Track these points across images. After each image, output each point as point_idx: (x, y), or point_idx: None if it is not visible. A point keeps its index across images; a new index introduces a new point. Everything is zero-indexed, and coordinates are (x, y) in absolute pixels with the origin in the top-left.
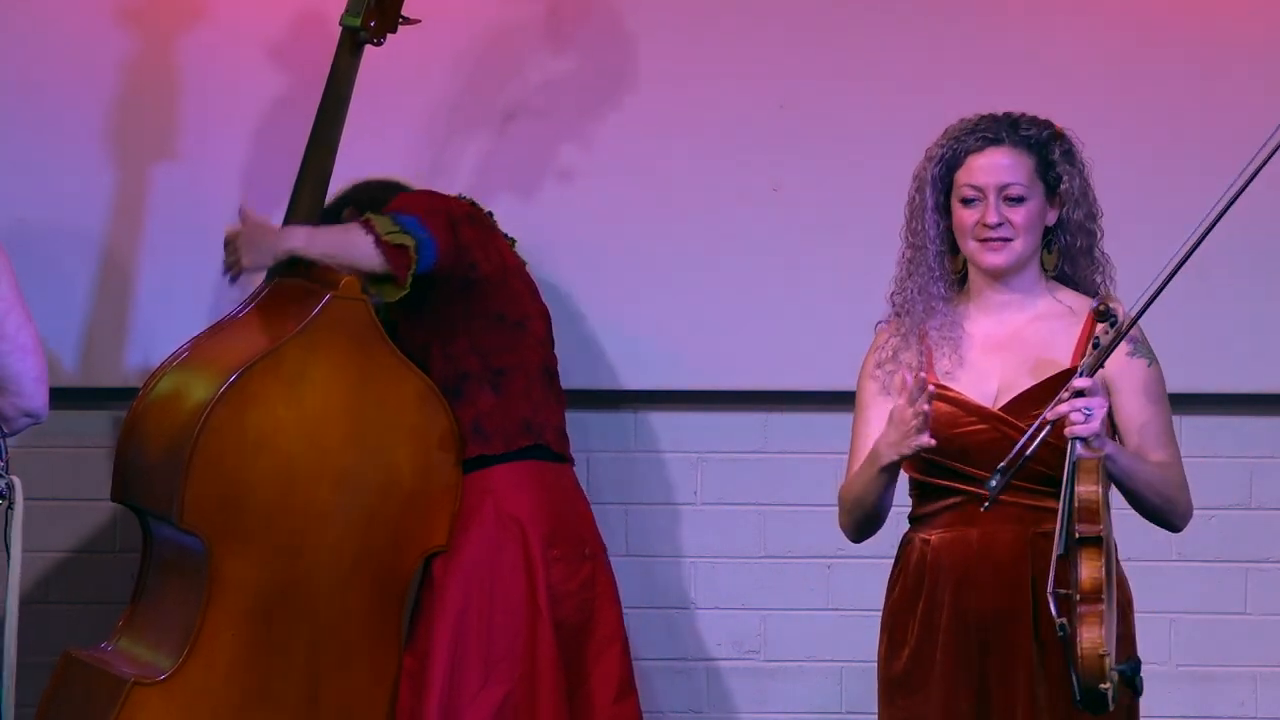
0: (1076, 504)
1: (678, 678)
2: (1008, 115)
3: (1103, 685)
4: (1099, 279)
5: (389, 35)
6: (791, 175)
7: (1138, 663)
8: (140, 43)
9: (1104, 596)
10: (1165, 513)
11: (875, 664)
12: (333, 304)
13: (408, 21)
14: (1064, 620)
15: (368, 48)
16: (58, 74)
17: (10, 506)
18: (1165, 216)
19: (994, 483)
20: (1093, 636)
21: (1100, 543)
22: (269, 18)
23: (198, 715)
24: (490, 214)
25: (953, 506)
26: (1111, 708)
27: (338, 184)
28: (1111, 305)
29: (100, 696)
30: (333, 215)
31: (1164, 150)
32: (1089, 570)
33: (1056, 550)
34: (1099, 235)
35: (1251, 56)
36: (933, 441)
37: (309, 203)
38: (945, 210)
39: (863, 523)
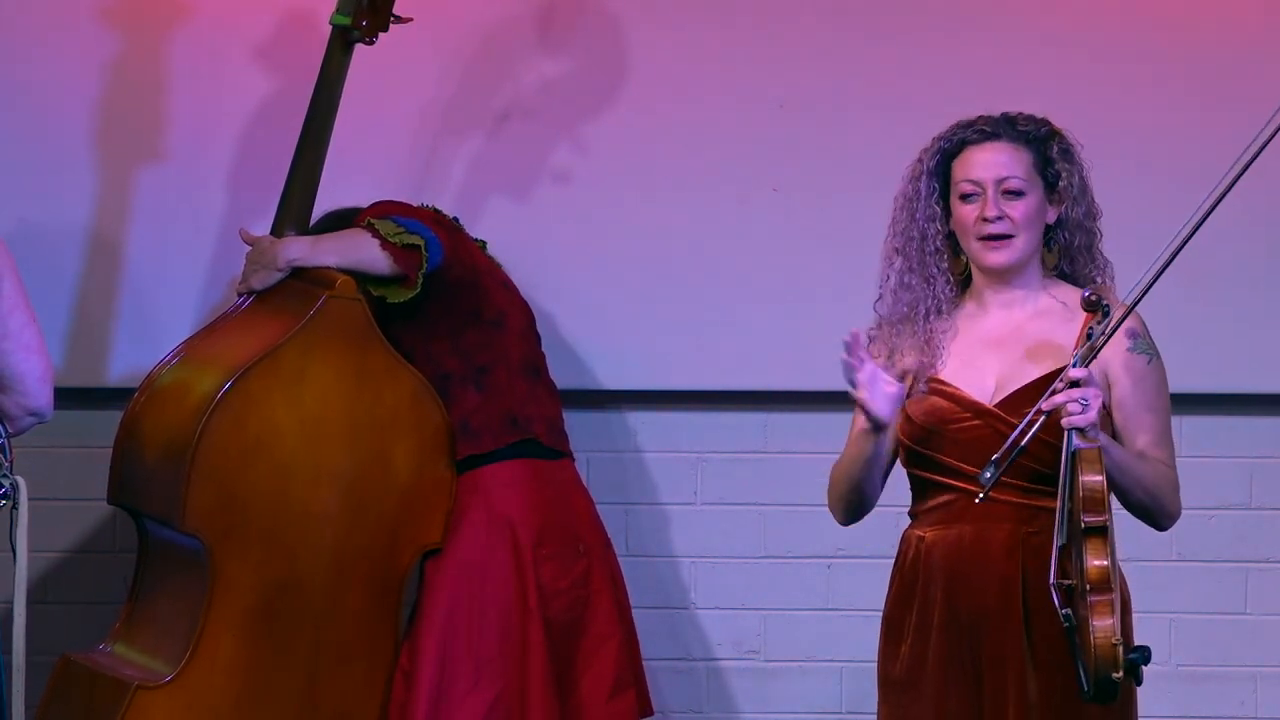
0: (1082, 493)
1: (678, 678)
2: (1004, 114)
3: (1116, 675)
4: (1099, 279)
5: (380, 34)
6: (791, 175)
7: (1149, 651)
8: (133, 42)
9: (1113, 585)
10: (1151, 511)
11: (875, 663)
12: (329, 304)
13: (400, 20)
14: (1068, 611)
15: (358, 46)
16: (54, 73)
17: (15, 507)
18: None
19: (988, 474)
20: (1105, 625)
21: (1106, 531)
22: (260, 16)
23: (200, 717)
24: (456, 219)
25: (946, 504)
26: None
27: (327, 200)
28: (1100, 294)
29: (103, 700)
30: None
31: (1165, 150)
32: (1097, 559)
33: (1058, 541)
34: (1098, 235)
35: (1247, 51)
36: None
37: (299, 202)
38: (944, 209)
39: (849, 498)
